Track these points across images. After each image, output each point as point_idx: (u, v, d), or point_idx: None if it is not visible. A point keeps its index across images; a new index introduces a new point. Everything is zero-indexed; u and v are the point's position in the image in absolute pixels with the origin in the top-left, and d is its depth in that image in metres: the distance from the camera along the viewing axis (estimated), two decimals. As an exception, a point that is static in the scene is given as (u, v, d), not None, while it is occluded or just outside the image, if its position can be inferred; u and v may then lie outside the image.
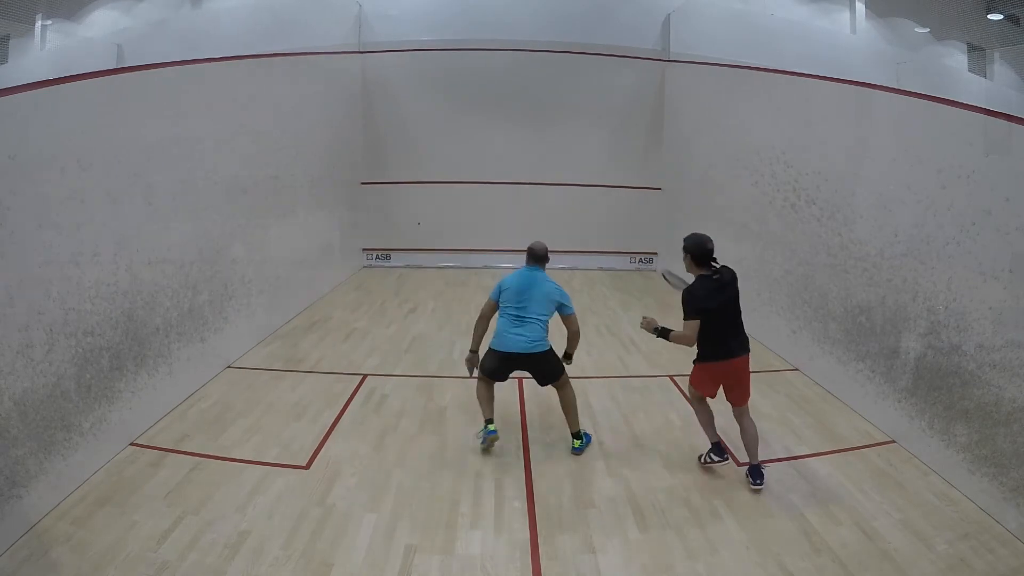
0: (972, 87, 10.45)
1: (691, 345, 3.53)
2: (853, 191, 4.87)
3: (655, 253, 10.34)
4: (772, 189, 6.14)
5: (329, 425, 4.35)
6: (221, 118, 5.39)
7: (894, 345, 4.29)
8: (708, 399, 3.77)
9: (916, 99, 4.32)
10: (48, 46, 10.10)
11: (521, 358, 3.91)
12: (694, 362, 3.70)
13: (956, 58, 11.06)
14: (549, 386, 4.10)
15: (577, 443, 4.01)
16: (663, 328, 3.58)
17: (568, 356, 4.15)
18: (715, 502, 3.46)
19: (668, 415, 4.63)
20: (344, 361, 5.70)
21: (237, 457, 3.86)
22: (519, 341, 3.87)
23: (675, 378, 5.33)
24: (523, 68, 9.83)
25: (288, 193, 6.94)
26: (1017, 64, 10.95)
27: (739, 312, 3.65)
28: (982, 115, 3.67)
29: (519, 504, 3.44)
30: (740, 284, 3.78)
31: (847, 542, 3.10)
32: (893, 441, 4.20)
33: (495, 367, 4.00)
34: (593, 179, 10.16)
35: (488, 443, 3.95)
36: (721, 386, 3.68)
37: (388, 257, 10.42)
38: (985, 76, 10.96)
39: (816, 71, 5.78)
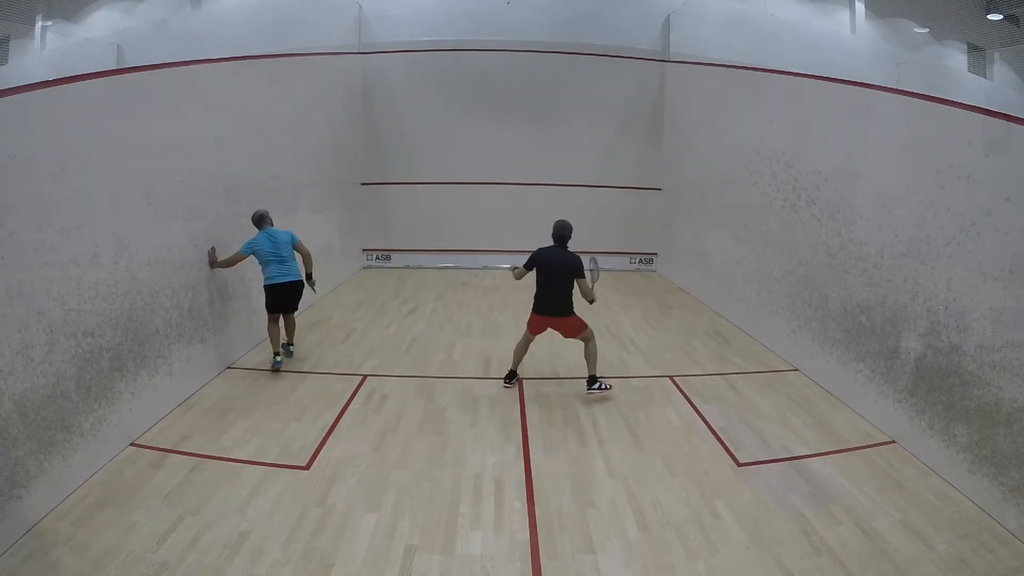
0: (972, 87, 10.45)
1: (518, 279, 5.06)
2: (853, 191, 4.88)
3: (655, 253, 10.34)
4: (772, 189, 6.15)
5: (329, 425, 4.35)
6: (221, 118, 5.40)
7: (894, 345, 4.29)
8: (532, 338, 5.08)
9: (916, 99, 4.32)
10: (48, 47, 10.11)
11: (295, 285, 5.40)
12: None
13: (956, 58, 11.06)
14: None
15: (286, 352, 5.52)
16: (516, 268, 5.03)
17: (308, 276, 5.51)
18: (715, 502, 3.46)
19: (668, 415, 4.64)
20: (344, 361, 5.70)
21: (237, 457, 3.86)
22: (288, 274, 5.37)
23: (675, 378, 5.34)
24: (523, 69, 9.84)
25: (288, 193, 6.95)
26: (1017, 64, 10.95)
27: (559, 287, 4.80)
28: (982, 115, 3.67)
29: (519, 504, 3.44)
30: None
31: (847, 542, 3.10)
32: (893, 441, 4.20)
33: (277, 298, 5.35)
34: (593, 179, 10.16)
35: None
36: (550, 330, 4.99)
37: (388, 258, 10.43)
38: (985, 76, 10.96)
39: (816, 71, 5.78)
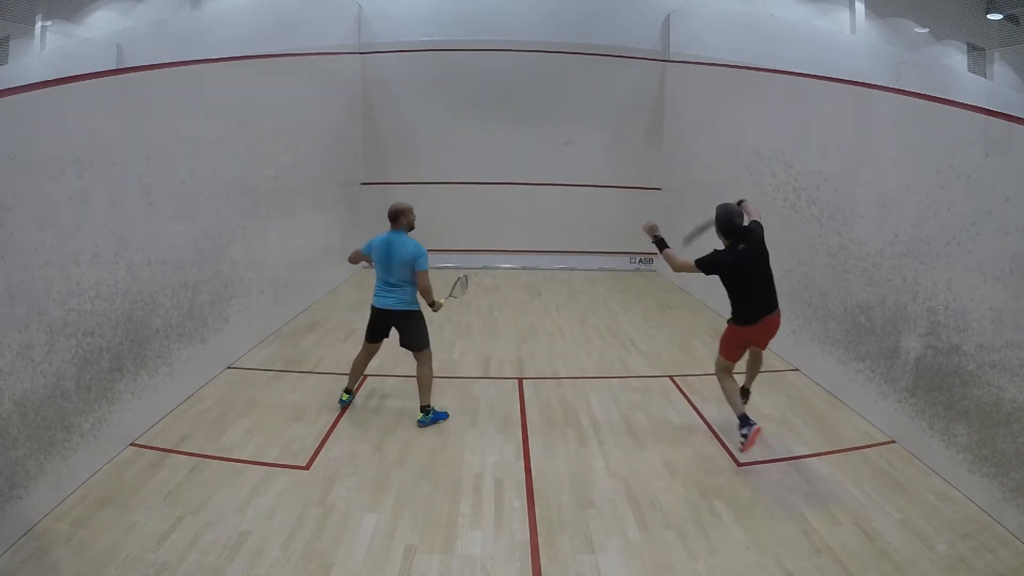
0: (972, 87, 10.45)
1: (675, 269, 4.23)
2: (853, 191, 4.87)
3: (655, 253, 10.31)
4: (772, 189, 6.14)
5: (329, 425, 4.35)
6: (221, 119, 5.39)
7: (894, 345, 4.29)
8: (732, 366, 4.21)
9: (916, 99, 4.31)
10: (48, 47, 10.11)
11: (391, 314, 4.41)
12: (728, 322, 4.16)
13: (956, 58, 11.06)
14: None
15: (422, 416, 4.41)
16: (661, 238, 4.37)
17: (431, 304, 4.50)
18: (715, 502, 3.46)
19: (668, 415, 4.64)
20: (344, 361, 5.67)
21: (237, 457, 3.86)
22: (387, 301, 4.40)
23: (675, 378, 5.34)
24: (523, 68, 9.84)
25: (288, 193, 6.95)
26: (1017, 64, 10.95)
27: (768, 279, 4.04)
28: (982, 115, 3.66)
29: (519, 504, 3.44)
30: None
31: (847, 542, 3.10)
32: (893, 441, 4.20)
33: (372, 320, 4.50)
34: (593, 179, 10.16)
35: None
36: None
37: (388, 258, 10.42)
38: (985, 76, 10.96)
39: (816, 71, 5.78)
